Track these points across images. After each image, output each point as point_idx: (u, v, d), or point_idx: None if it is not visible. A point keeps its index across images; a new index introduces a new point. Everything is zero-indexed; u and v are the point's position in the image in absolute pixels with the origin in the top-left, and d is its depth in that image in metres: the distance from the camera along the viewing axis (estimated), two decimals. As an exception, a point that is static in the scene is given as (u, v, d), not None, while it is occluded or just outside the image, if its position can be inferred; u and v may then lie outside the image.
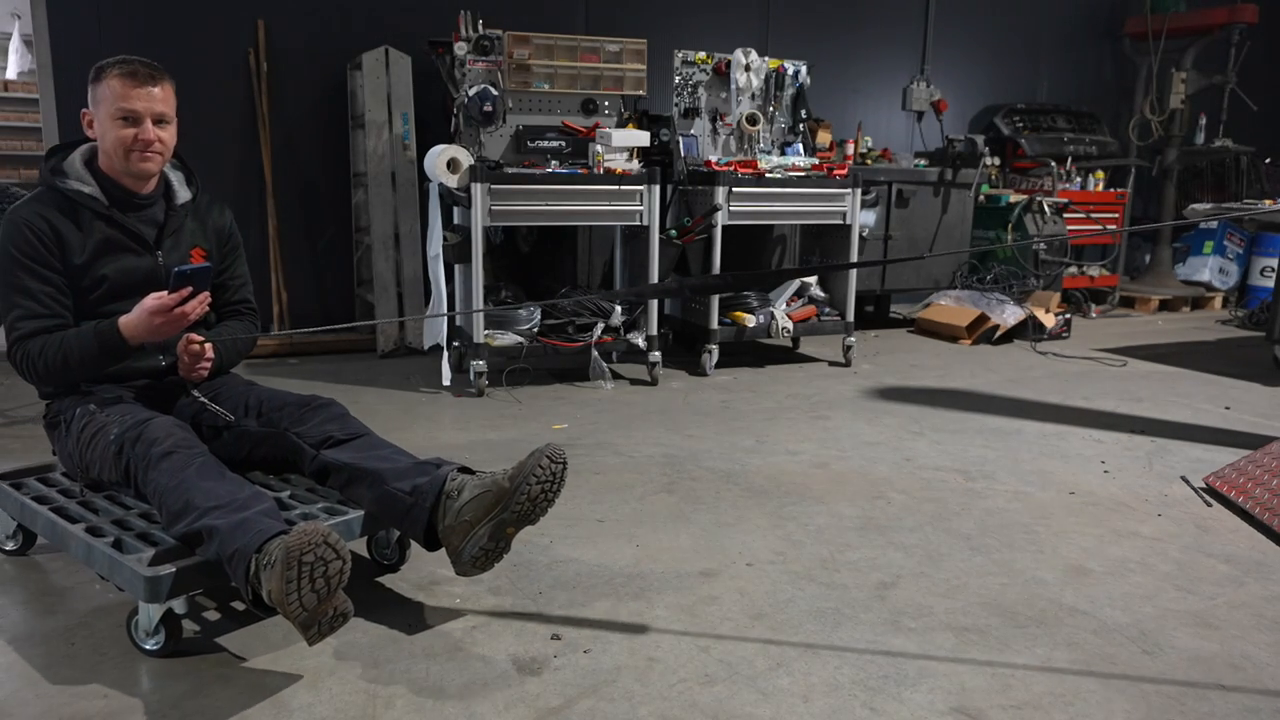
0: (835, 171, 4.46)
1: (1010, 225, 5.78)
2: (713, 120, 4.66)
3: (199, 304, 1.91)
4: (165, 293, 1.87)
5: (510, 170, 3.84)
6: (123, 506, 1.95)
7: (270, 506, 1.72)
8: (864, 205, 5.00)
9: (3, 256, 1.94)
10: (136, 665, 1.71)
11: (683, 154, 4.45)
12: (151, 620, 1.71)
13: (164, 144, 2.00)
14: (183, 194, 2.14)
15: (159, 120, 1.98)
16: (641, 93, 4.38)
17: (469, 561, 1.79)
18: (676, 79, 4.56)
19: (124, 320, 1.91)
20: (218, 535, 1.62)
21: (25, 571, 2.12)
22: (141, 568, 1.65)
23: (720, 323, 4.32)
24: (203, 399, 2.06)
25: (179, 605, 1.71)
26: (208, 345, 2.05)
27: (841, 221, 4.46)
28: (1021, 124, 6.53)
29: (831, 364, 4.59)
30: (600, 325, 4.04)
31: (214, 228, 2.20)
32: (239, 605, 1.94)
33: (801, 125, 4.81)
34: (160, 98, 1.97)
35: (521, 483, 1.76)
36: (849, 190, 4.40)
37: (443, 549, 1.84)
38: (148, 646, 1.73)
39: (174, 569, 1.65)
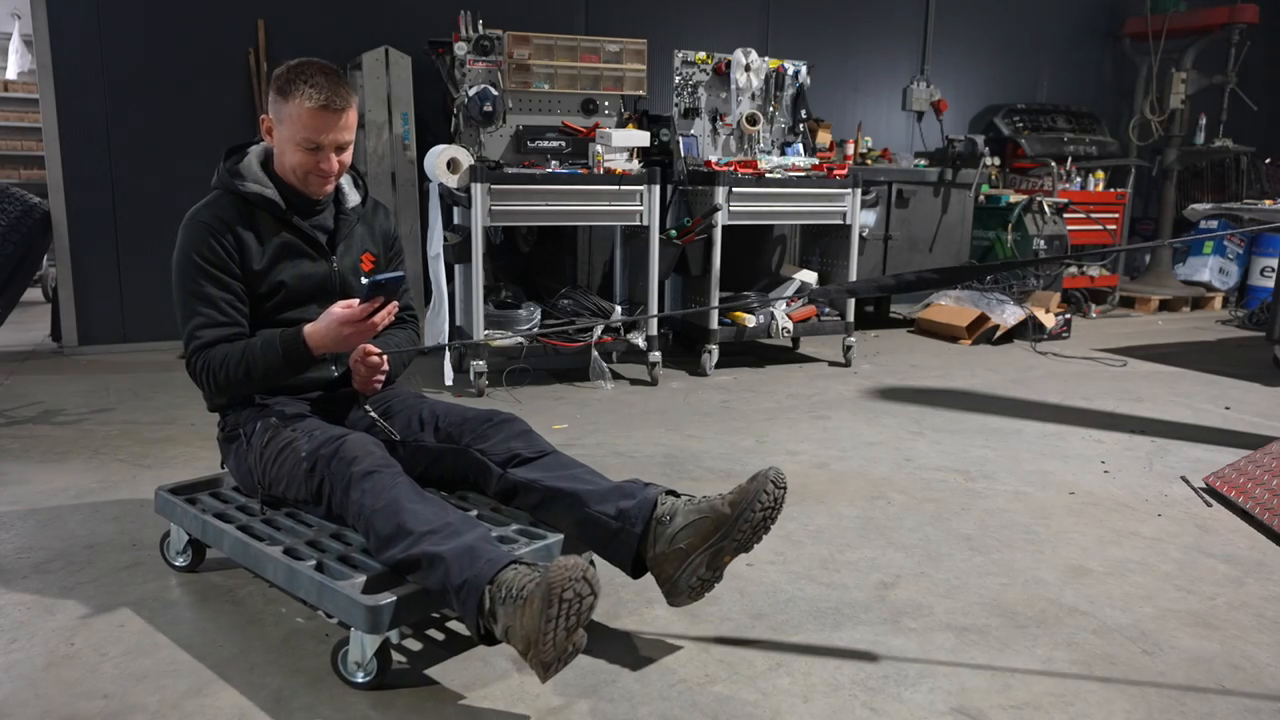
0: (835, 171, 4.46)
1: (1010, 225, 5.78)
2: (713, 120, 4.66)
3: (388, 314, 1.83)
4: (355, 302, 1.80)
5: (510, 170, 3.84)
6: (305, 524, 1.88)
7: (485, 532, 1.65)
8: (864, 205, 4.99)
9: (183, 262, 1.88)
10: (137, 665, 1.70)
11: (683, 154, 4.45)
12: (366, 653, 1.61)
13: (344, 167, 1.94)
14: (352, 198, 2.08)
15: (341, 149, 1.91)
16: (641, 93, 4.38)
17: (685, 591, 1.68)
18: (676, 79, 4.56)
19: (309, 330, 1.83)
20: (441, 564, 1.53)
21: (25, 571, 2.12)
22: (362, 596, 1.57)
23: (720, 323, 4.32)
24: (373, 414, 2.00)
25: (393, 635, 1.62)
26: (384, 356, 1.99)
27: (841, 221, 4.47)
28: (1021, 124, 6.53)
29: (831, 364, 4.59)
30: (600, 325, 4.04)
31: (380, 231, 2.14)
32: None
33: (801, 125, 4.81)
34: (345, 126, 1.88)
35: (745, 509, 1.64)
36: (849, 190, 4.40)
37: (648, 576, 1.74)
38: (358, 679, 1.63)
39: (394, 598, 1.56)
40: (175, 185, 4.63)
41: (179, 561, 2.11)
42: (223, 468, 2.12)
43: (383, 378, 2.02)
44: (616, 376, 4.20)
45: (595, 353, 3.99)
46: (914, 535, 2.39)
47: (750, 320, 4.36)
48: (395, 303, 1.85)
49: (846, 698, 1.63)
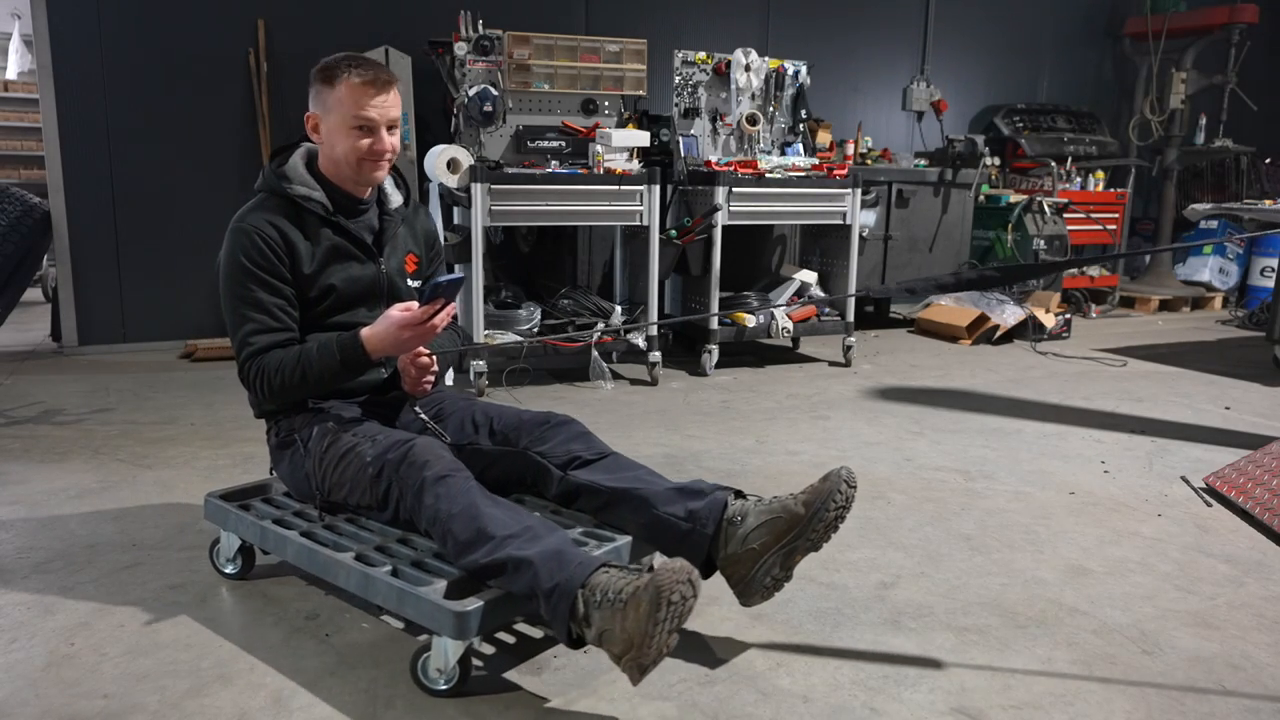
0: (835, 171, 4.46)
1: (1010, 225, 5.78)
2: (713, 120, 4.66)
3: (447, 316, 1.81)
4: (413, 305, 1.78)
5: (510, 170, 3.84)
6: (366, 530, 1.86)
7: (566, 535, 1.64)
8: (864, 205, 5.00)
9: (232, 267, 1.86)
10: (137, 665, 1.70)
11: (683, 154, 4.45)
12: (449, 659, 1.58)
13: (395, 151, 1.92)
14: (395, 198, 2.06)
15: (392, 127, 1.89)
16: (641, 93, 4.38)
17: (759, 591, 1.70)
18: (676, 79, 4.56)
19: (367, 333, 1.81)
20: (528, 568, 1.52)
21: (25, 571, 2.12)
22: (449, 602, 1.55)
23: (720, 323, 4.32)
24: (424, 416, 1.99)
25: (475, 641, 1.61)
26: (433, 358, 1.97)
27: (841, 221, 4.47)
28: (1021, 124, 6.53)
29: (831, 364, 4.59)
30: (600, 325, 4.05)
31: (422, 232, 2.13)
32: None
33: (801, 125, 4.81)
34: (394, 103, 1.87)
35: (820, 509, 1.66)
36: (849, 190, 4.40)
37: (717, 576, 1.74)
38: (440, 687, 1.60)
39: (482, 603, 1.54)
40: (175, 185, 4.64)
41: (229, 569, 2.07)
42: (271, 474, 2.09)
43: (432, 379, 2.00)
44: (616, 376, 4.20)
45: (595, 353, 3.99)
46: (914, 535, 2.39)
47: (750, 320, 4.36)
48: (453, 304, 1.84)
49: (846, 698, 1.63)
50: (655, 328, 4.07)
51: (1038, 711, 1.60)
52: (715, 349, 4.31)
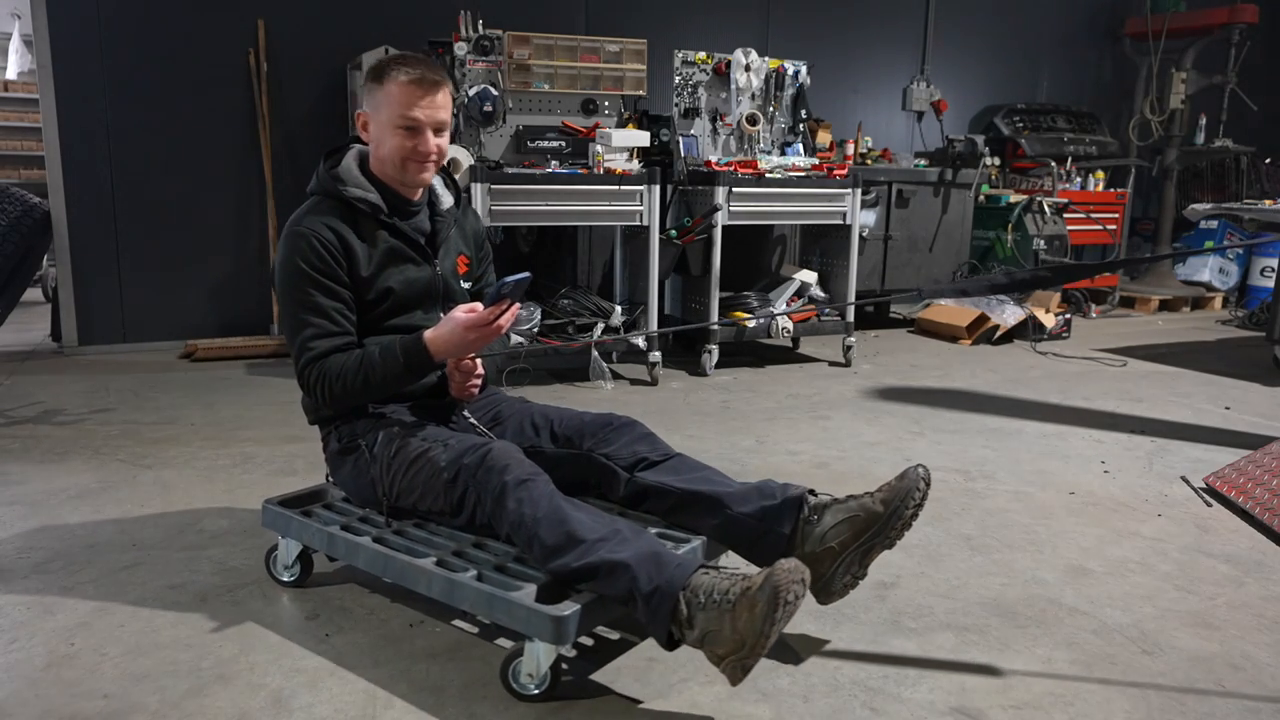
0: (835, 171, 4.46)
1: (1010, 225, 5.78)
2: (713, 120, 4.66)
3: (511, 317, 1.78)
4: (478, 306, 1.77)
5: (510, 170, 3.84)
6: (435, 535, 1.84)
7: (654, 537, 1.64)
8: (864, 205, 5.00)
9: (290, 271, 1.82)
10: (137, 665, 1.71)
11: (683, 154, 4.45)
12: (542, 665, 1.57)
13: (441, 153, 1.89)
14: (446, 200, 2.04)
15: (439, 129, 1.87)
16: (641, 93, 4.38)
17: (838, 590, 1.71)
18: (676, 79, 4.56)
19: (430, 335, 1.79)
20: (625, 571, 1.51)
21: (25, 571, 2.12)
22: (545, 606, 1.53)
23: (720, 322, 4.32)
24: (472, 419, 1.99)
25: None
26: (478, 360, 1.95)
27: (841, 221, 4.47)
28: (1021, 124, 6.53)
29: (831, 364, 4.59)
30: (600, 325, 4.05)
31: (472, 233, 2.11)
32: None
33: (801, 125, 4.81)
34: (442, 105, 1.85)
35: (899, 506, 1.67)
36: (849, 190, 4.40)
37: None
38: (531, 691, 1.59)
39: (579, 607, 1.53)
40: (175, 185, 4.64)
41: (286, 577, 2.04)
42: (327, 480, 2.07)
43: (479, 382, 1.99)
44: (616, 376, 4.20)
45: (595, 353, 3.99)
46: (914, 535, 2.37)
47: (750, 320, 4.36)
48: (517, 305, 1.81)
49: (846, 698, 1.63)
50: (655, 326, 4.07)
51: (1038, 711, 1.60)
52: (715, 349, 4.31)
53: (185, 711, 1.56)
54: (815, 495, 1.77)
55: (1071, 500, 2.67)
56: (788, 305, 4.54)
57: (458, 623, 1.88)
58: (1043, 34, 7.00)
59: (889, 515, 1.68)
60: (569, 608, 1.53)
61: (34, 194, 4.42)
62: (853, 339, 4.53)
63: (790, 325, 4.41)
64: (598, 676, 1.69)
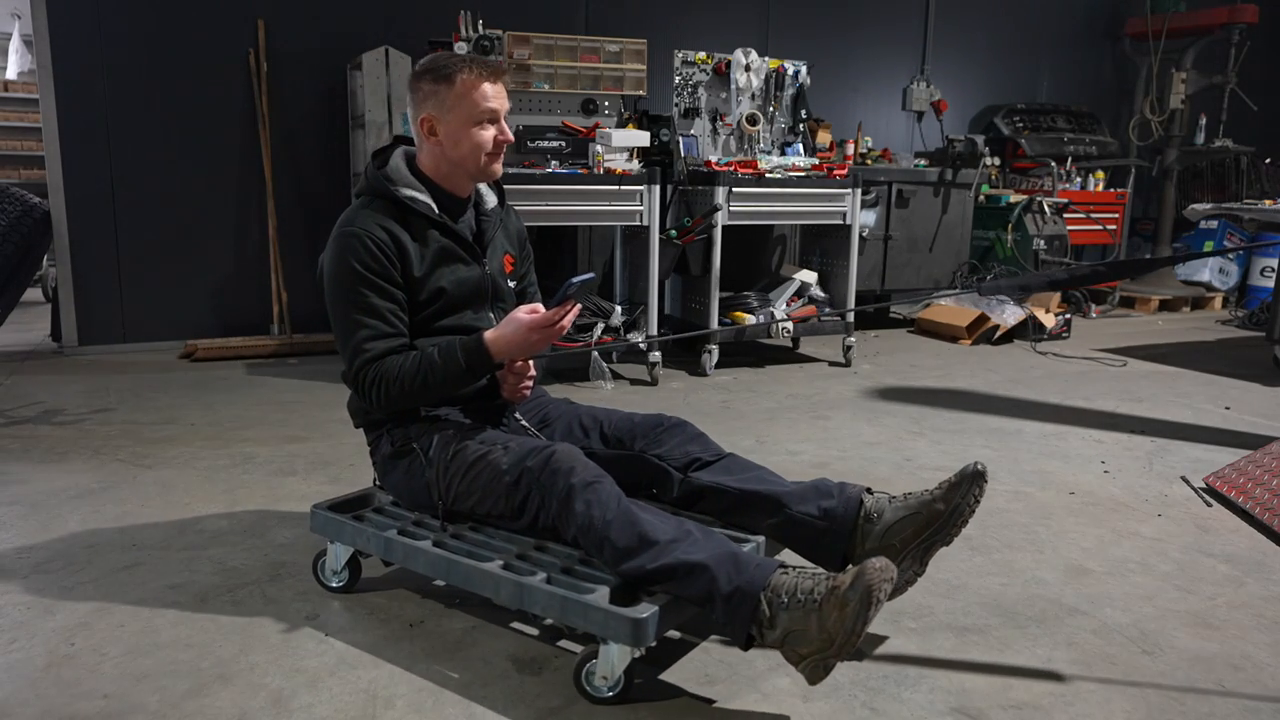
0: (835, 171, 4.46)
1: (1010, 225, 5.79)
2: (713, 120, 4.66)
3: (573, 317, 1.78)
4: (539, 307, 1.77)
5: (510, 170, 3.84)
6: (492, 539, 1.82)
7: (725, 538, 1.63)
8: (864, 205, 5.00)
9: (343, 272, 1.80)
10: (137, 665, 1.71)
11: (683, 154, 4.45)
12: (617, 668, 1.56)
13: (511, 142, 1.92)
14: (490, 199, 2.03)
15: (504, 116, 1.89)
16: (641, 93, 4.38)
17: (900, 587, 1.72)
18: (676, 79, 4.56)
19: (491, 336, 1.79)
20: (703, 572, 1.50)
21: (25, 571, 2.12)
22: (623, 609, 1.52)
23: (720, 323, 4.32)
24: (524, 422, 1.98)
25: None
26: (530, 362, 1.93)
27: (841, 221, 4.47)
28: (1021, 124, 6.54)
29: (831, 364, 4.59)
30: (600, 325, 4.04)
31: (515, 232, 2.11)
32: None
33: (801, 125, 4.81)
34: (506, 92, 1.89)
35: (959, 504, 1.68)
36: (849, 190, 4.40)
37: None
38: (605, 694, 1.58)
39: (657, 609, 1.52)
40: (175, 185, 4.64)
41: (334, 582, 2.01)
42: (375, 484, 2.05)
43: (530, 384, 1.97)
44: (616, 376, 4.20)
45: (595, 353, 3.99)
46: (914, 535, 2.38)
47: (750, 320, 4.36)
48: (579, 305, 1.80)
49: (846, 698, 1.63)
50: (655, 326, 4.07)
51: (1038, 711, 1.60)
52: (715, 349, 4.31)
53: (185, 711, 1.56)
54: (872, 493, 1.78)
55: (1071, 500, 2.67)
56: (787, 305, 4.54)
57: (456, 624, 1.88)
58: (1043, 34, 7.00)
59: (949, 513, 1.69)
60: (647, 609, 1.52)
61: (34, 194, 4.42)
62: (853, 339, 4.53)
63: (790, 325, 4.41)
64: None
